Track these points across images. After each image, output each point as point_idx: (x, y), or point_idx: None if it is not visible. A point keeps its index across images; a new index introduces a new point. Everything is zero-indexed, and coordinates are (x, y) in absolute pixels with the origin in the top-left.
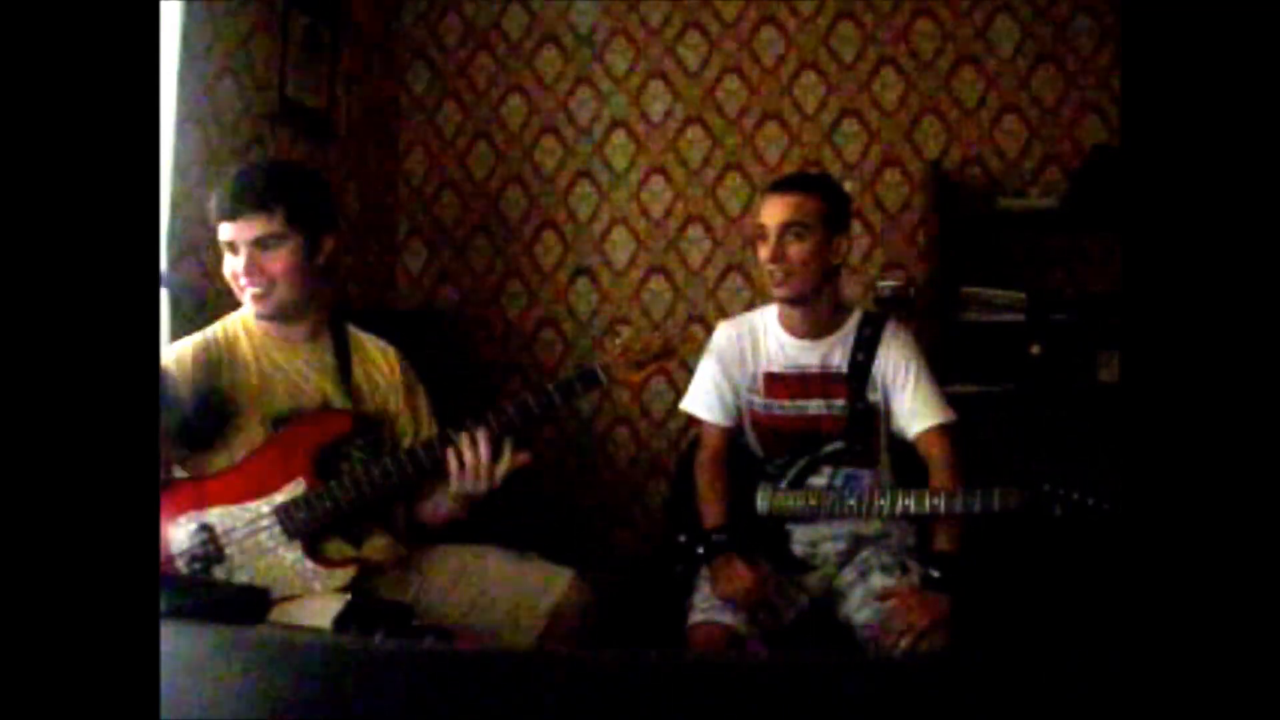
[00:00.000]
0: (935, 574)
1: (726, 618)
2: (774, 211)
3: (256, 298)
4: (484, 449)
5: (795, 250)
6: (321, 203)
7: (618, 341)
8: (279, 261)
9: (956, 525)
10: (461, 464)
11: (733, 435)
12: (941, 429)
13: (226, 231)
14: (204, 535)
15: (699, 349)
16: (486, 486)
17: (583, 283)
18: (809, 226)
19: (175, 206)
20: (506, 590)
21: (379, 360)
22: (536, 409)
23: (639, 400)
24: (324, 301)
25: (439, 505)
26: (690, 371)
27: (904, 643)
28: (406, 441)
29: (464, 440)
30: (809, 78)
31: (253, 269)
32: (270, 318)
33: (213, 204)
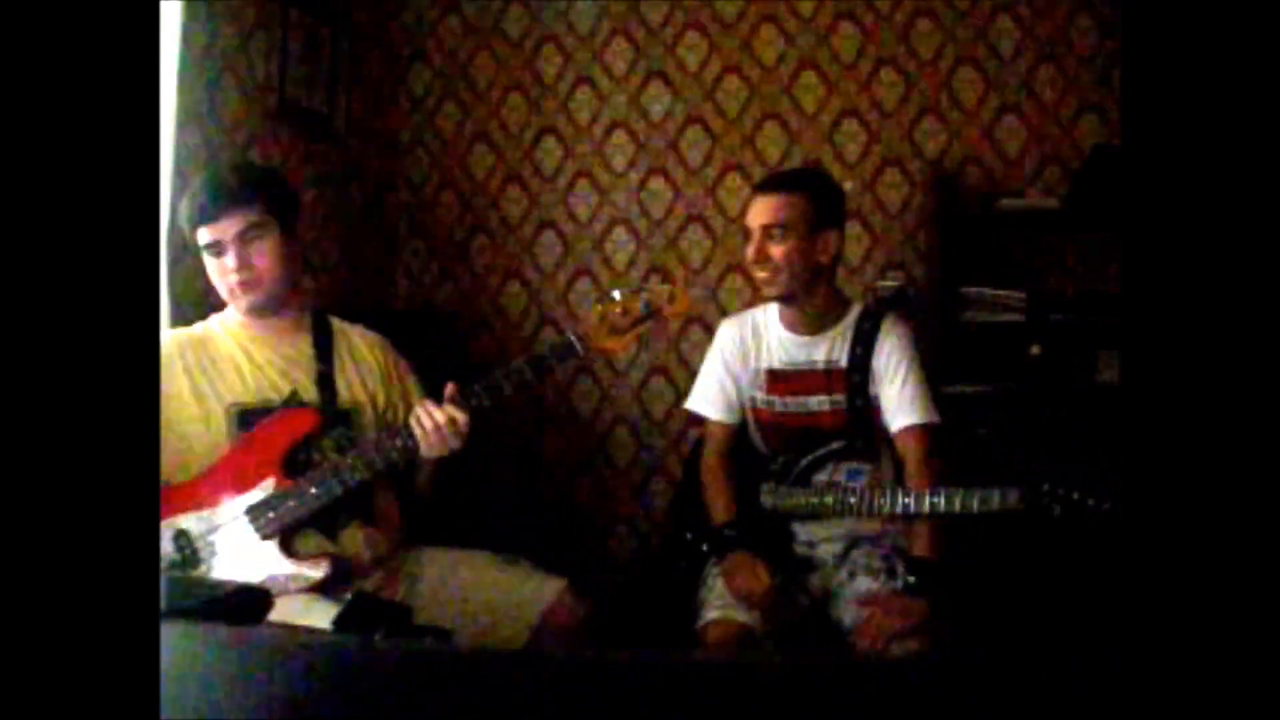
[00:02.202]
0: (912, 579)
1: (741, 615)
2: (754, 213)
3: (247, 288)
4: (439, 414)
5: (776, 250)
6: (290, 196)
7: (597, 308)
8: (266, 251)
9: (935, 529)
10: (424, 430)
11: (737, 432)
12: (922, 429)
13: (207, 235)
14: (180, 540)
15: (698, 350)
16: (456, 445)
17: (582, 282)
18: (789, 227)
19: (175, 207)
20: (492, 596)
21: (363, 351)
22: (508, 387)
23: (639, 400)
24: (303, 294)
25: (426, 474)
26: (691, 371)
27: (877, 646)
28: None
29: (422, 411)
30: (809, 78)
31: (243, 263)
32: (262, 308)
33: (184, 212)
